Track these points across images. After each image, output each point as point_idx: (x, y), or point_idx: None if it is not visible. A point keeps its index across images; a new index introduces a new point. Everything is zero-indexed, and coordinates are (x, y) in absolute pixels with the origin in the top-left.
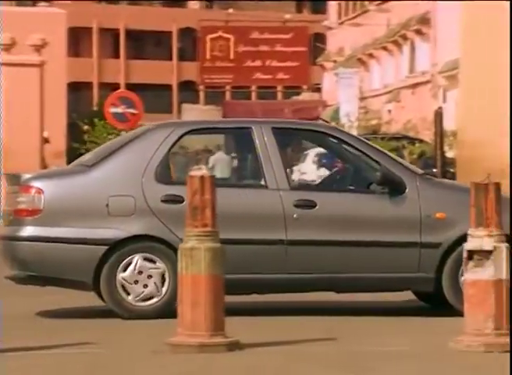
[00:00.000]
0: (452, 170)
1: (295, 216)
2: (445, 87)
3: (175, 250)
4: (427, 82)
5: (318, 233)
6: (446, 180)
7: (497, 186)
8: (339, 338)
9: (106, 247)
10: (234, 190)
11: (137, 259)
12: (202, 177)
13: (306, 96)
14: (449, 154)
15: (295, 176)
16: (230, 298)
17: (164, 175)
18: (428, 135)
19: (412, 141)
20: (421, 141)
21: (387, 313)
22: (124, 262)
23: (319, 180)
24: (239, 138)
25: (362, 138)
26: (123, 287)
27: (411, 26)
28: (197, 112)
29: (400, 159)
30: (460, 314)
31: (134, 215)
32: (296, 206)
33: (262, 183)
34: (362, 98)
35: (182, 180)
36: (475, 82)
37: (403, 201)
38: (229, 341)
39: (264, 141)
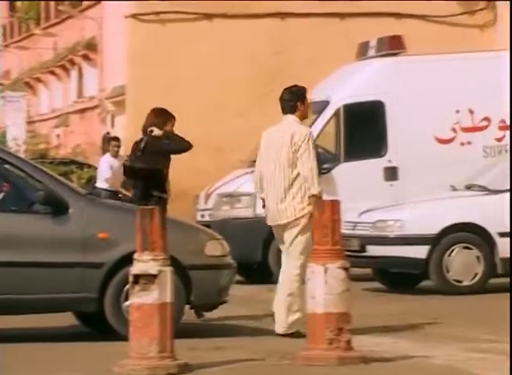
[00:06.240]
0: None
1: None
2: (113, 113)
3: None
4: (95, 107)
5: None
6: (111, 201)
7: (162, 211)
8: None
9: None
10: None
11: None
12: None
13: None
14: None
15: None
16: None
17: None
18: (96, 160)
19: (81, 165)
20: (89, 165)
21: (49, 339)
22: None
23: None
24: None
25: (25, 159)
26: None
27: (78, 52)
28: None
29: (63, 180)
30: (123, 338)
31: None
32: None
33: None
34: (30, 122)
35: None
36: (142, 107)
37: (66, 220)
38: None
39: None
